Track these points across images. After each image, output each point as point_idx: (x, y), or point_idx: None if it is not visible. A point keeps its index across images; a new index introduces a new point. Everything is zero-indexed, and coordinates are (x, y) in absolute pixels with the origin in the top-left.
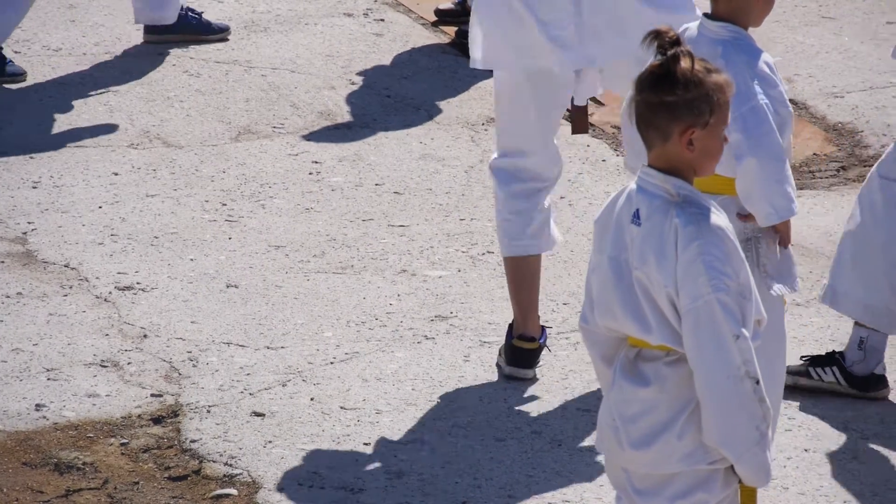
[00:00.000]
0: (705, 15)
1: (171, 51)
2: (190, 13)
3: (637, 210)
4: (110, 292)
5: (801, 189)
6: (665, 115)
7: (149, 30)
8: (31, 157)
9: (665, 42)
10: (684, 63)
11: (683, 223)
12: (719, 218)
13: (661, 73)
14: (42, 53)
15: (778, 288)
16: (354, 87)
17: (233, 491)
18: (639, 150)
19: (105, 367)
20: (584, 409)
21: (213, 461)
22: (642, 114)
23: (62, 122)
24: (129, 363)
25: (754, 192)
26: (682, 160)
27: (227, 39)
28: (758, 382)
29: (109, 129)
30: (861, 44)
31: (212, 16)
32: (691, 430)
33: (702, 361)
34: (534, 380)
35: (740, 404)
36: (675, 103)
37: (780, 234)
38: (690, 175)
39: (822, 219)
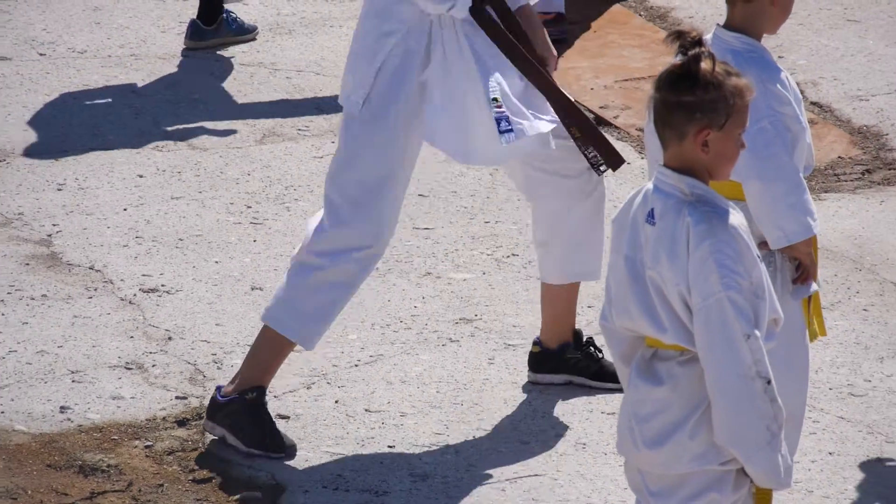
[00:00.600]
0: (721, 25)
1: (195, 53)
2: (230, 16)
3: (652, 209)
4: (135, 294)
5: (825, 192)
6: (681, 115)
7: (191, 36)
8: (56, 160)
9: (687, 42)
10: (705, 64)
11: (695, 221)
12: (733, 217)
13: (681, 73)
14: (67, 56)
15: (803, 291)
16: None
17: (257, 493)
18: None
19: (130, 369)
20: (608, 412)
21: (238, 463)
22: (659, 112)
23: (87, 125)
24: (153, 365)
25: (762, 215)
26: (697, 161)
27: (255, 39)
28: (769, 382)
29: (134, 131)
30: (886, 47)
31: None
32: (703, 430)
33: (712, 360)
34: (557, 383)
35: (751, 403)
36: (693, 104)
37: (798, 259)
38: (705, 177)
39: (847, 222)
